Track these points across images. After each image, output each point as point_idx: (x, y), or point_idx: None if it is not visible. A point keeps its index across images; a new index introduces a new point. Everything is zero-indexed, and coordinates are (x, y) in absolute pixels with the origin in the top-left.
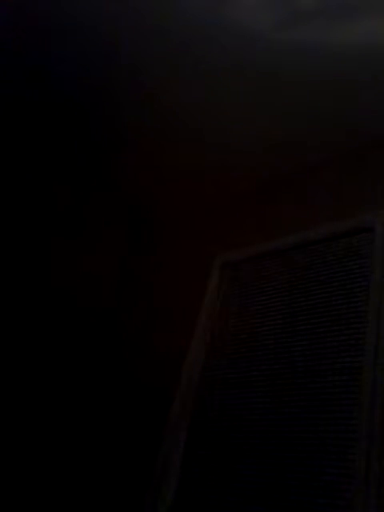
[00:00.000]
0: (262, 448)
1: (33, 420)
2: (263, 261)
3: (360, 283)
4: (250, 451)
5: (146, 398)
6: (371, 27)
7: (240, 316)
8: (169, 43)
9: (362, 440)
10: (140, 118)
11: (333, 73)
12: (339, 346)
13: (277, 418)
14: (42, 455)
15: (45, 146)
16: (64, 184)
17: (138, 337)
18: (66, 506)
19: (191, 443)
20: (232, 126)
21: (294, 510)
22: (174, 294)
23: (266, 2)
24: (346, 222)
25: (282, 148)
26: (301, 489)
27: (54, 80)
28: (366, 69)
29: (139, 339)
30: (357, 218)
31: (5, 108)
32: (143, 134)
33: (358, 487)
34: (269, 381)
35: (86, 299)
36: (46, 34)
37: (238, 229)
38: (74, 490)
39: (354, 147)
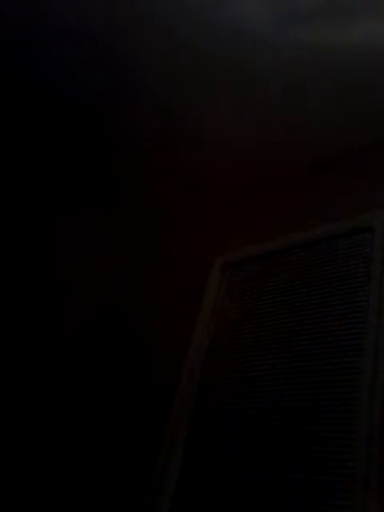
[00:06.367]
0: (261, 447)
1: (33, 419)
2: (263, 261)
3: (360, 283)
4: (250, 450)
5: (146, 398)
6: (371, 27)
7: (240, 316)
8: (168, 43)
9: (362, 440)
10: (139, 119)
11: (333, 73)
12: (339, 346)
13: (277, 418)
14: (42, 454)
15: (46, 147)
16: (65, 185)
17: (139, 336)
18: (66, 506)
19: (191, 443)
20: (232, 125)
21: (294, 509)
22: (174, 294)
23: (266, 2)
24: (346, 221)
25: (282, 148)
26: (301, 488)
27: (53, 81)
28: (366, 69)
29: (139, 339)
30: (357, 218)
31: (8, 111)
32: (143, 134)
33: (358, 487)
34: (269, 380)
35: (86, 299)
36: (47, 35)
37: (238, 229)
38: (75, 489)
39: (354, 147)
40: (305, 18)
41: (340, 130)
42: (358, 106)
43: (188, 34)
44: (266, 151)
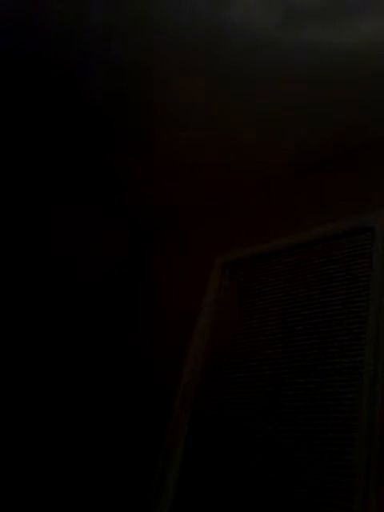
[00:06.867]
0: (261, 447)
1: (33, 419)
2: (263, 261)
3: (360, 283)
4: (250, 451)
5: (147, 398)
6: (371, 27)
7: (240, 316)
8: (168, 43)
9: (362, 440)
10: (139, 118)
11: (333, 72)
12: (339, 346)
13: (277, 418)
14: (42, 453)
15: (46, 147)
16: (66, 185)
17: (138, 337)
18: (67, 506)
19: (191, 443)
20: (232, 125)
21: (294, 509)
22: (174, 294)
23: (267, 1)
24: (346, 221)
25: (282, 148)
26: (301, 488)
27: (52, 80)
28: (366, 68)
29: (139, 339)
30: (357, 218)
31: (8, 111)
32: (143, 134)
33: (358, 487)
34: (269, 380)
35: (86, 299)
36: (46, 35)
37: (238, 229)
38: (75, 489)
39: (354, 147)
40: (305, 18)
41: (340, 130)
42: (358, 105)
43: (188, 34)
44: (266, 151)
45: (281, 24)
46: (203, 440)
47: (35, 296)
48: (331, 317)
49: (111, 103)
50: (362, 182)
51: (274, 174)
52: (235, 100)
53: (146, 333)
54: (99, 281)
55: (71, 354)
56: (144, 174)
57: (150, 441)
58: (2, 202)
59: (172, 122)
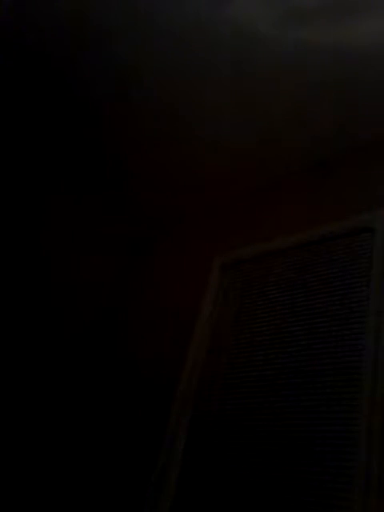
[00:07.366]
0: (261, 448)
1: (33, 421)
2: (263, 261)
3: (360, 283)
4: (250, 451)
5: (147, 398)
6: (371, 27)
7: (240, 316)
8: (168, 42)
9: (362, 440)
10: (139, 119)
11: (333, 72)
12: (339, 346)
13: (277, 418)
14: (43, 454)
15: (45, 147)
16: (64, 184)
17: (138, 337)
18: (66, 504)
19: (191, 443)
20: (231, 125)
21: (294, 509)
22: (174, 294)
23: (267, 1)
24: (346, 221)
25: (282, 148)
26: (300, 489)
27: (50, 78)
28: (366, 69)
29: (139, 339)
30: (357, 218)
31: (9, 108)
32: (142, 134)
33: (358, 487)
34: (269, 381)
35: (86, 300)
36: (47, 34)
37: (238, 229)
38: (75, 488)
39: (354, 147)
40: (305, 17)
41: (340, 130)
42: (359, 105)
43: (188, 34)
44: (266, 151)
45: (281, 24)
46: (203, 440)
47: (34, 296)
48: (331, 317)
49: (112, 103)
50: (362, 182)
51: (273, 174)
52: (234, 100)
53: (146, 333)
54: (99, 281)
55: (71, 354)
56: (145, 175)
57: (150, 441)
58: (3, 203)
59: (172, 122)
